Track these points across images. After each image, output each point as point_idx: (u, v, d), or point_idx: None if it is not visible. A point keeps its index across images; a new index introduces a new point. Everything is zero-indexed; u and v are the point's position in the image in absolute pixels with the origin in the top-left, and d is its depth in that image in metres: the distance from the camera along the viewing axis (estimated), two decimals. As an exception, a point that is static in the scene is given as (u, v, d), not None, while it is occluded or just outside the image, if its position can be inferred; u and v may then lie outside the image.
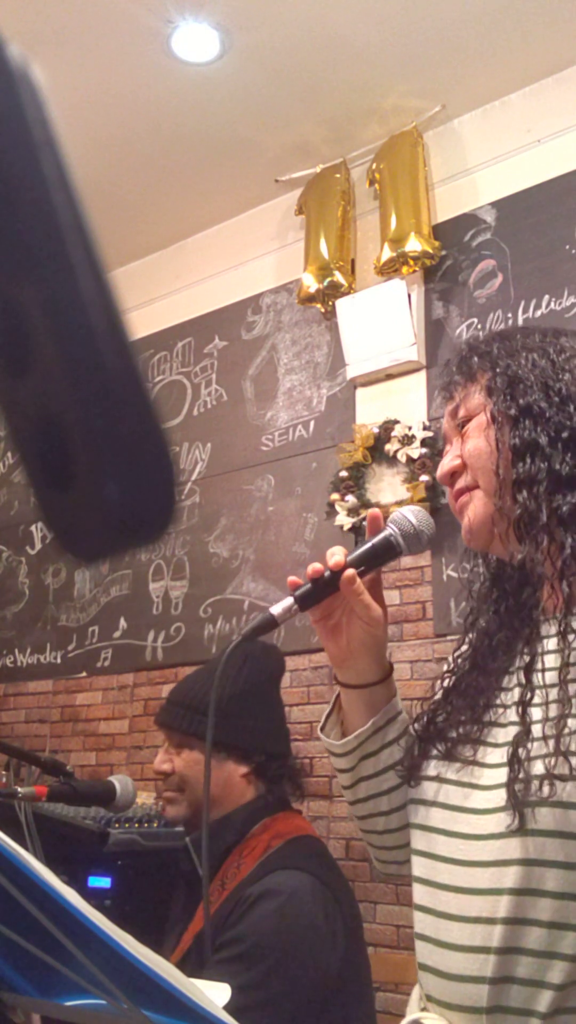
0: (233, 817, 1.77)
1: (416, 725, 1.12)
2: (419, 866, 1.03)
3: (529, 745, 0.94)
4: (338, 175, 3.28)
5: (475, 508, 1.07)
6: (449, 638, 2.69)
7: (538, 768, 0.92)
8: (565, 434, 1.03)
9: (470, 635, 1.15)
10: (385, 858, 1.19)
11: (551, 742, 0.92)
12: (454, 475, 1.11)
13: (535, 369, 1.07)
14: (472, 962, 0.93)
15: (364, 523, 3.00)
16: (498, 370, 1.08)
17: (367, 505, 3.00)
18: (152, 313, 3.77)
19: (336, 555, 1.10)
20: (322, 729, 1.19)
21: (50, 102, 0.33)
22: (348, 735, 1.14)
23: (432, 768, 1.05)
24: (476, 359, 1.12)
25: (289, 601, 1.08)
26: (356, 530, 3.01)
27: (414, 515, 1.13)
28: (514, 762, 0.94)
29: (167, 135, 3.24)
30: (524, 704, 0.98)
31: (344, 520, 3.02)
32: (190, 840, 1.78)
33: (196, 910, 1.72)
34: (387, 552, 1.12)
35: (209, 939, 1.56)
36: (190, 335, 3.75)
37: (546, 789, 0.90)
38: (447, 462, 1.11)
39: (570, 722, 0.92)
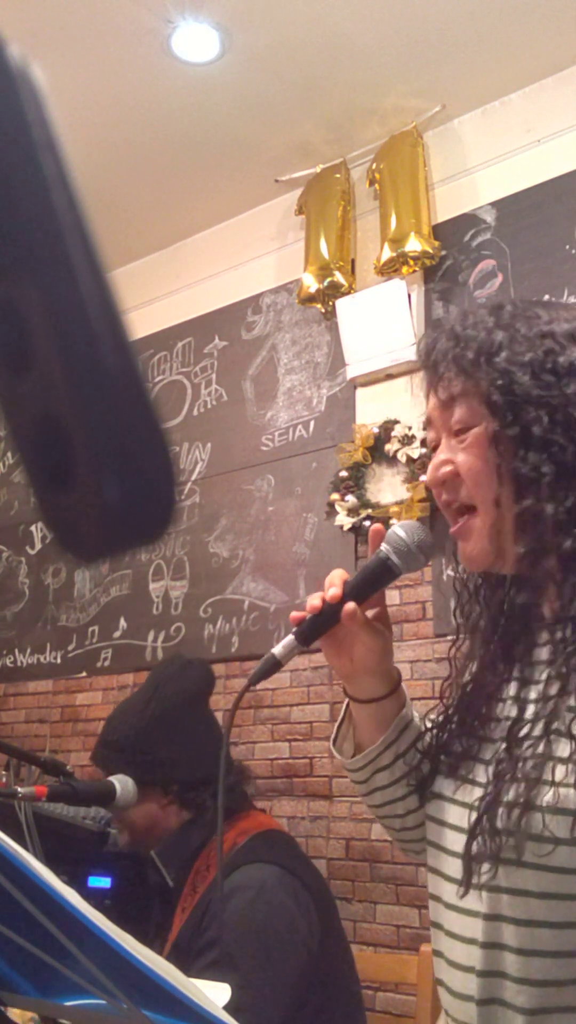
0: (196, 822, 1.79)
1: (424, 739, 1.12)
2: (431, 882, 1.03)
3: (505, 783, 0.93)
4: (338, 175, 3.28)
5: (478, 541, 1.02)
6: (449, 637, 2.69)
7: (503, 819, 0.90)
8: (569, 460, 0.95)
9: (466, 638, 1.13)
10: (405, 847, 1.19)
11: (521, 786, 0.90)
12: (445, 483, 1.04)
13: (537, 384, 0.97)
14: (465, 981, 0.95)
15: (364, 523, 3.02)
16: (500, 382, 0.98)
17: (367, 505, 3.00)
18: (152, 313, 3.77)
19: (334, 586, 1.05)
20: (334, 743, 1.17)
21: (50, 102, 0.33)
22: (360, 750, 1.13)
23: (437, 784, 1.05)
24: (471, 356, 1.01)
25: (290, 639, 1.06)
26: (356, 530, 3.01)
27: (406, 531, 1.08)
28: (479, 818, 0.93)
29: (167, 135, 3.24)
30: (512, 736, 0.96)
31: (344, 520, 3.02)
32: (155, 852, 1.80)
33: (172, 919, 1.74)
34: (385, 574, 1.08)
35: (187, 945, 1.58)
36: (190, 335, 3.75)
37: (493, 847, 0.90)
38: (440, 469, 1.03)
39: (549, 765, 0.90)
